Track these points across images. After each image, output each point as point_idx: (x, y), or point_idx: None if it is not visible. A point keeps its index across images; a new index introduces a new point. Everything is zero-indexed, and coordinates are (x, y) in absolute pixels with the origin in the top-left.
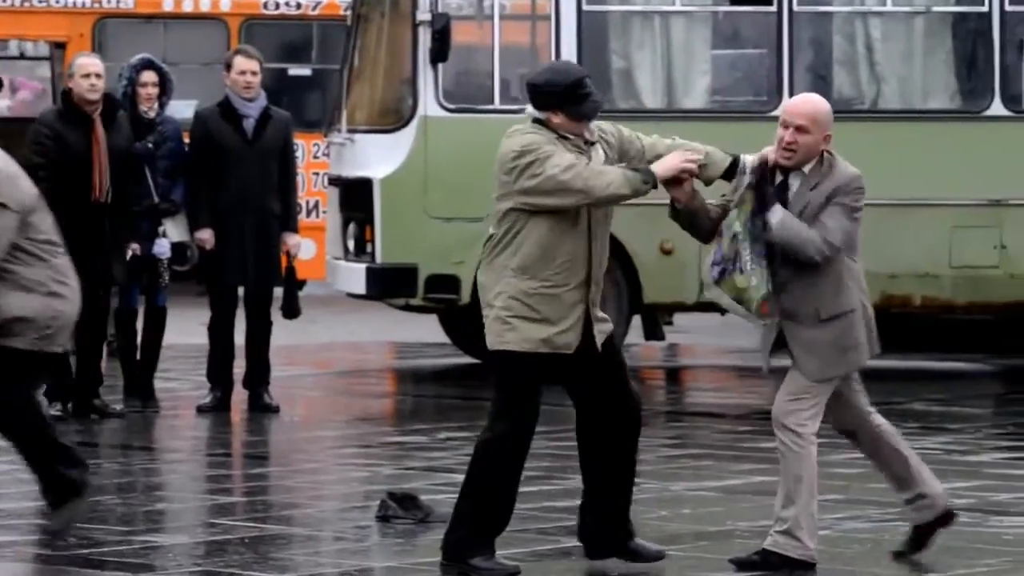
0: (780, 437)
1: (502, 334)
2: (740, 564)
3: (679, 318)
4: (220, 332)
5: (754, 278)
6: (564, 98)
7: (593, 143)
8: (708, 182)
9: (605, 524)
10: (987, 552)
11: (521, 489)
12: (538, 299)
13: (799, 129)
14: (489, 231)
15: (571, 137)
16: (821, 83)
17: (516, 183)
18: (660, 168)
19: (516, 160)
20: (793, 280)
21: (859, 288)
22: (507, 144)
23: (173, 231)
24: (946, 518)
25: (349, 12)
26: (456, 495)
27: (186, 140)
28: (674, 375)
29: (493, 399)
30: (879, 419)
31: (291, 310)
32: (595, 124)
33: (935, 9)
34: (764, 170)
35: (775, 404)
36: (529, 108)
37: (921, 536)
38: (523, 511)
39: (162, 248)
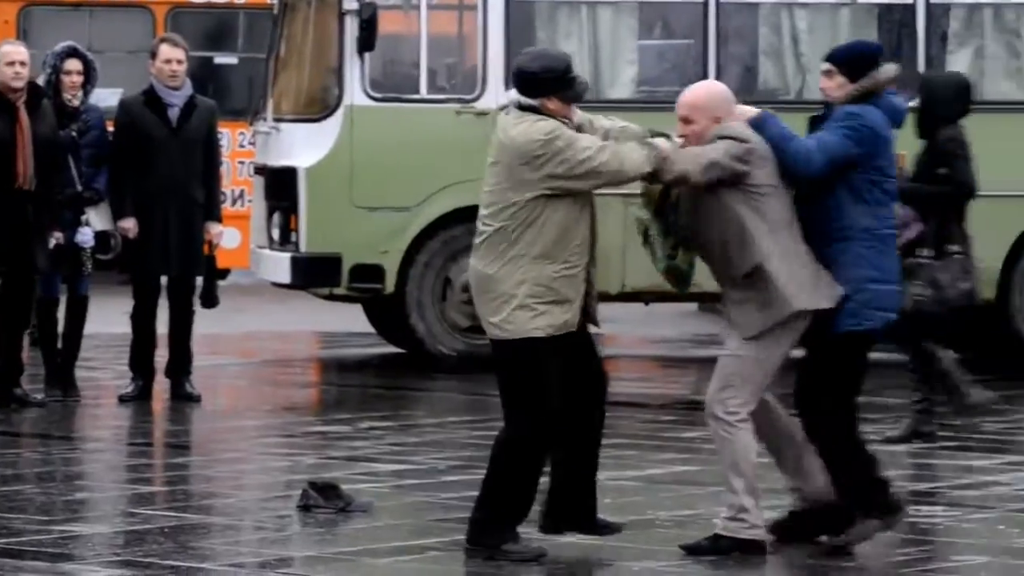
0: (711, 425)
1: (530, 321)
2: (690, 549)
3: (603, 307)
4: (142, 321)
5: (658, 252)
6: (559, 82)
7: (576, 125)
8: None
9: (574, 500)
10: (906, 541)
11: (444, 478)
12: (562, 281)
13: (684, 120)
14: (490, 225)
15: (566, 121)
16: (747, 74)
17: (544, 169)
18: (669, 146)
19: (544, 148)
20: (710, 246)
21: (774, 241)
22: (526, 134)
23: (96, 220)
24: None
25: (276, 1)
26: (377, 484)
27: (110, 128)
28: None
29: (510, 391)
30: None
31: (210, 299)
32: None
33: (861, 0)
34: None
35: (707, 395)
36: (513, 95)
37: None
38: (446, 500)
39: (85, 237)
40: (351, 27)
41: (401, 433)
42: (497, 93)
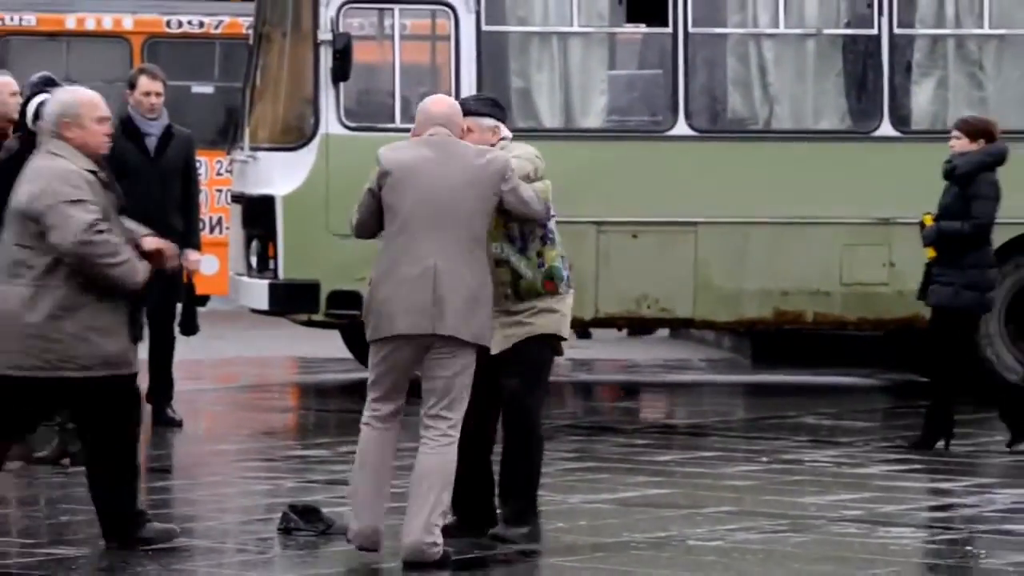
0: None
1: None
2: None
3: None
4: None
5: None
6: None
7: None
8: None
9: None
10: (874, 562)
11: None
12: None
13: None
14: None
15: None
16: (715, 103)
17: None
18: None
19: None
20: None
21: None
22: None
23: None
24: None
25: (251, 31)
26: None
27: None
28: (577, 388)
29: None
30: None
31: (189, 327)
32: None
33: (826, 31)
34: None
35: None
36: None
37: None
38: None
39: None
40: (326, 57)
41: None
42: None
